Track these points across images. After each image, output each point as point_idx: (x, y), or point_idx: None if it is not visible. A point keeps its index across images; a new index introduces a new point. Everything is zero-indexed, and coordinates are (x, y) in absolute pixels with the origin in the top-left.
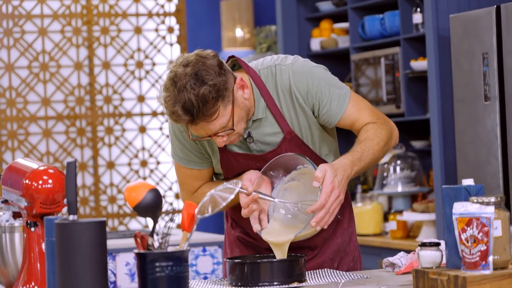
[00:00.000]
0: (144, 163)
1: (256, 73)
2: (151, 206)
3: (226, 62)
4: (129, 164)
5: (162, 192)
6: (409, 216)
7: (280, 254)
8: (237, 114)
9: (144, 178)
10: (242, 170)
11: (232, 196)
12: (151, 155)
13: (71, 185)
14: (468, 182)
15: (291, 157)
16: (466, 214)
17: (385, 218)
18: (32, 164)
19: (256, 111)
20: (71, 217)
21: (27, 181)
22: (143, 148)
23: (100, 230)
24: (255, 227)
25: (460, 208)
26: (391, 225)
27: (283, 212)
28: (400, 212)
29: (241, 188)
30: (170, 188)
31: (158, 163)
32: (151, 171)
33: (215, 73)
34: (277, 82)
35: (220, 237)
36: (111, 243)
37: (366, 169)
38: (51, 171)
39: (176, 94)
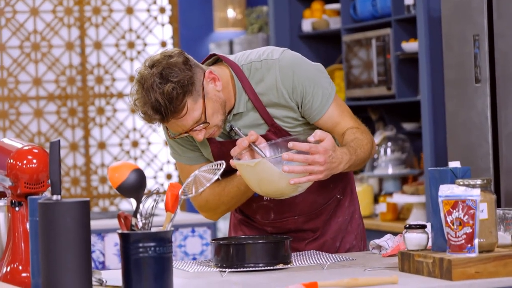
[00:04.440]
0: (135, 144)
1: (239, 67)
2: (135, 187)
3: (207, 59)
4: (120, 145)
5: (152, 173)
6: (399, 198)
7: (254, 180)
8: (209, 107)
9: (135, 159)
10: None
11: (216, 177)
12: (142, 136)
13: (55, 165)
14: (454, 164)
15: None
16: (452, 196)
17: (375, 200)
18: (17, 143)
19: (237, 105)
20: (54, 197)
21: (11, 160)
22: (134, 129)
23: (84, 210)
24: (234, 159)
25: (446, 190)
26: (381, 207)
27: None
28: (390, 194)
29: (243, 133)
30: (161, 169)
31: (149, 143)
32: (142, 151)
33: (180, 70)
34: (262, 76)
35: None
36: (101, 224)
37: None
38: (35, 150)
39: (145, 95)
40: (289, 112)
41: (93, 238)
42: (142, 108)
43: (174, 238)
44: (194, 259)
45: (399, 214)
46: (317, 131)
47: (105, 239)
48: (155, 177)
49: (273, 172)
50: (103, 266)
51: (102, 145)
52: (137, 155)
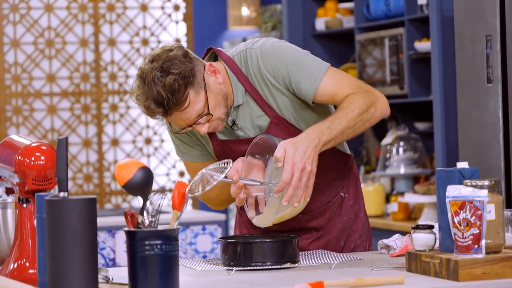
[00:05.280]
0: (148, 141)
1: (231, 60)
2: (141, 184)
3: (206, 54)
4: (133, 142)
5: (165, 170)
6: (410, 198)
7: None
8: (212, 99)
9: (148, 156)
10: (237, 156)
11: (223, 176)
12: (155, 133)
13: (62, 162)
14: (462, 165)
15: (265, 139)
16: (459, 197)
17: (387, 200)
18: (25, 140)
19: (235, 98)
20: (61, 194)
21: (19, 157)
22: (148, 126)
23: (90, 207)
24: (249, 214)
25: (453, 191)
26: (393, 207)
27: (276, 196)
28: (402, 193)
29: (226, 178)
30: (174, 166)
31: (162, 141)
32: (155, 148)
33: (180, 62)
34: (249, 66)
35: (220, 216)
36: (112, 220)
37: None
38: (43, 147)
39: (147, 89)
40: (284, 96)
41: (104, 235)
42: (144, 103)
43: (184, 236)
44: (205, 257)
45: (411, 214)
46: (276, 155)
47: (115, 236)
48: (167, 174)
49: (290, 212)
50: (113, 263)
51: (115, 142)
52: (150, 152)
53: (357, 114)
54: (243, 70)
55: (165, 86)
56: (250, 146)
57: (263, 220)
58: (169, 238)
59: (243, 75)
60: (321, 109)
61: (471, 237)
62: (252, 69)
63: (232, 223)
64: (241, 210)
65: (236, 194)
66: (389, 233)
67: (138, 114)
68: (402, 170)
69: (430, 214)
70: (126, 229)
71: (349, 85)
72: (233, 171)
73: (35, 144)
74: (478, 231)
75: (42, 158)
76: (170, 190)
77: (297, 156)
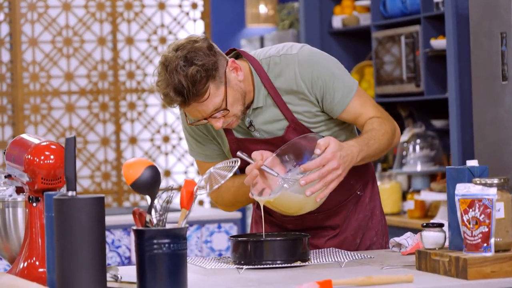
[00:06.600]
0: (166, 139)
1: (258, 62)
2: (149, 183)
3: (228, 54)
4: (151, 140)
5: (183, 168)
6: (426, 196)
7: (278, 209)
8: (230, 95)
9: (166, 154)
10: None
11: (231, 174)
12: (173, 131)
13: (70, 161)
14: (472, 163)
15: (311, 139)
16: (468, 195)
17: (404, 197)
18: (35, 139)
19: (256, 99)
20: (69, 193)
21: (29, 156)
22: (165, 124)
23: (98, 206)
24: (252, 191)
25: (462, 189)
26: (409, 205)
27: (287, 186)
28: (418, 191)
29: (249, 157)
30: (192, 164)
31: (180, 138)
32: (173, 146)
33: (204, 54)
34: (282, 71)
35: (236, 214)
36: (128, 219)
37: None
38: (53, 146)
39: (168, 77)
40: (309, 107)
41: (119, 233)
42: (164, 90)
43: (200, 234)
44: (220, 255)
45: (427, 211)
46: (319, 142)
47: (131, 234)
48: (185, 172)
49: (296, 199)
50: (129, 261)
51: (133, 140)
52: (168, 150)
53: (387, 138)
54: (268, 74)
55: (187, 76)
56: (289, 142)
57: (264, 195)
58: (177, 237)
59: (267, 78)
60: (331, 121)
61: (480, 235)
62: (284, 75)
63: (248, 221)
64: (257, 209)
65: (250, 170)
66: (405, 230)
67: (156, 112)
68: (418, 168)
69: (446, 212)
70: (134, 227)
71: (374, 109)
72: (259, 155)
73: (44, 143)
74: (487, 229)
75: (52, 157)
76: (173, 189)
77: (338, 154)
